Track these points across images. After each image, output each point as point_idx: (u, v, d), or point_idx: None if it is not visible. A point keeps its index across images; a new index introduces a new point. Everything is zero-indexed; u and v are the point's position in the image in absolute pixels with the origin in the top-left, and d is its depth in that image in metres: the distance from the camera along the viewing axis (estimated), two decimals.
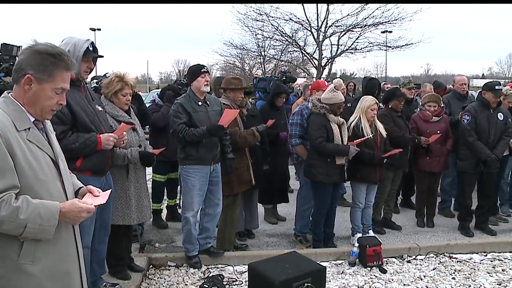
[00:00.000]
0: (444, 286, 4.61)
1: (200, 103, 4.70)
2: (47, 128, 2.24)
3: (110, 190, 2.50)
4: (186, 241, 4.91)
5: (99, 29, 43.39)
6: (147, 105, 6.44)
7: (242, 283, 4.57)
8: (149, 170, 5.38)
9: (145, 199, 4.44)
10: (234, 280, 4.67)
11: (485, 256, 5.42)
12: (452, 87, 7.79)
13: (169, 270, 4.90)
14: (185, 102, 4.66)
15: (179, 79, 6.70)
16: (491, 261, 5.28)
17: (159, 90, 9.19)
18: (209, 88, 4.87)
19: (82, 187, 2.36)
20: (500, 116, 5.99)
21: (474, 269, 5.04)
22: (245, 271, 4.60)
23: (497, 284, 4.66)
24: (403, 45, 21.83)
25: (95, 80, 5.97)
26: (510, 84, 7.98)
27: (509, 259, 5.33)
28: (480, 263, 5.23)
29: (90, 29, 42.96)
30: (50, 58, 2.07)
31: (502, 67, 74.63)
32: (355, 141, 5.24)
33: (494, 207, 6.64)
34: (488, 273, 4.94)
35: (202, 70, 4.71)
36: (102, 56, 3.74)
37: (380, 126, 5.62)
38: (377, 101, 5.64)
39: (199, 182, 4.72)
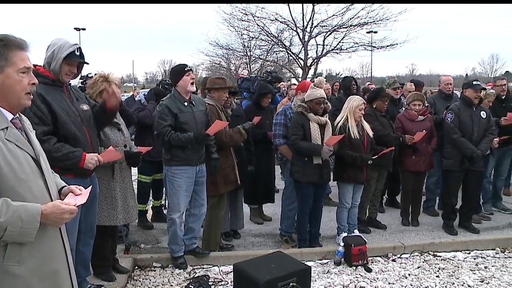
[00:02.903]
0: (428, 284, 4.66)
1: (185, 104, 4.67)
2: (26, 127, 2.21)
3: (91, 186, 2.48)
4: (171, 241, 4.89)
5: (83, 29, 42.95)
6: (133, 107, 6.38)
7: (228, 283, 4.57)
8: (134, 170, 5.35)
9: (131, 199, 4.43)
10: (220, 280, 4.66)
11: (468, 254, 5.50)
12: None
13: (154, 271, 4.89)
14: (171, 103, 4.62)
15: (164, 79, 6.65)
16: (474, 258, 5.36)
17: (146, 90, 9.11)
18: (195, 87, 4.85)
19: (65, 186, 2.34)
20: (483, 114, 6.08)
21: (458, 267, 5.10)
22: (230, 272, 4.60)
23: (480, 281, 4.72)
24: (388, 46, 21.93)
25: (80, 80, 5.92)
26: (489, 84, 8.07)
27: (491, 257, 5.41)
28: (464, 261, 5.29)
29: (75, 28, 42.50)
30: None
31: (485, 67, 75.62)
32: (330, 139, 5.19)
33: (477, 206, 6.72)
34: (471, 270, 5.01)
35: (185, 69, 4.68)
36: (87, 63, 3.72)
37: (366, 126, 5.64)
38: (364, 101, 5.66)
39: (186, 183, 4.70)
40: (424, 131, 6.19)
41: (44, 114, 3.34)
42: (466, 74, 73.10)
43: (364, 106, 5.58)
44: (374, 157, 5.50)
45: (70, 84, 3.73)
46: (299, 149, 5.22)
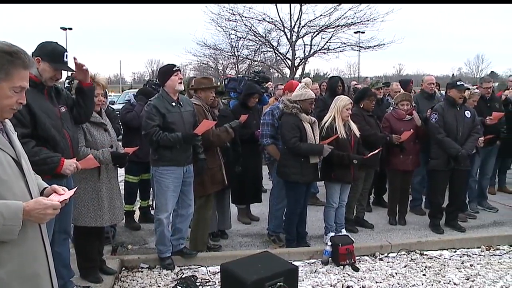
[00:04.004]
0: (415, 282, 4.69)
1: (173, 104, 4.65)
2: (8, 128, 2.19)
3: (76, 187, 2.46)
4: (159, 242, 4.87)
5: (70, 29, 42.27)
6: (121, 105, 6.36)
7: (216, 283, 4.56)
8: (121, 171, 5.32)
9: (118, 200, 4.40)
10: (208, 281, 4.65)
11: (454, 252, 5.56)
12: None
13: (141, 272, 4.87)
14: (159, 103, 4.60)
15: (151, 80, 6.63)
16: (460, 257, 5.41)
17: (135, 90, 9.08)
18: (183, 87, 4.84)
19: (47, 187, 2.31)
20: (468, 114, 6.13)
21: (444, 265, 5.15)
22: (218, 272, 4.59)
23: (465, 279, 4.77)
24: (375, 46, 22.08)
25: (67, 80, 5.87)
26: (475, 85, 8.17)
27: (477, 255, 5.48)
28: (450, 259, 5.34)
29: (61, 28, 41.74)
30: (6, 56, 2.02)
31: (470, 67, 76.53)
32: (327, 140, 5.26)
33: (463, 205, 6.79)
34: (457, 268, 5.06)
35: (174, 69, 4.67)
36: (73, 71, 3.71)
37: (354, 126, 5.66)
38: (351, 101, 5.67)
39: (173, 183, 4.69)
40: (411, 130, 6.24)
41: (23, 115, 3.29)
42: (453, 74, 73.98)
43: (351, 106, 5.60)
44: (364, 157, 5.52)
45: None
46: (300, 151, 5.18)
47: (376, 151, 5.66)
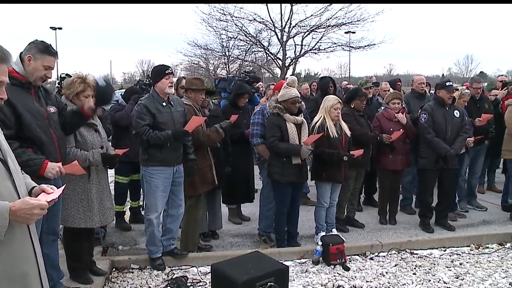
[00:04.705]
0: (405, 281, 4.71)
1: (164, 104, 4.64)
2: None
3: (64, 185, 2.43)
4: (149, 243, 4.86)
5: (60, 28, 41.92)
6: (110, 106, 6.31)
7: (206, 284, 4.55)
8: (111, 171, 5.30)
9: (108, 201, 4.37)
10: (198, 281, 4.65)
11: (444, 251, 5.59)
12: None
13: (132, 272, 4.85)
14: (149, 103, 4.59)
15: (142, 80, 6.60)
16: (450, 255, 5.45)
17: (123, 90, 9.02)
18: (173, 90, 4.82)
19: (35, 186, 2.28)
20: (457, 113, 6.19)
21: (434, 264, 5.18)
22: (209, 272, 4.56)
23: (455, 277, 4.80)
24: (365, 46, 22.26)
25: (57, 81, 5.84)
26: (466, 84, 8.23)
27: (466, 253, 5.52)
28: (440, 258, 5.38)
29: (51, 28, 41.38)
30: None
31: (460, 67, 77.19)
32: (307, 139, 5.22)
33: (452, 204, 6.83)
34: (447, 267, 5.10)
35: (166, 71, 4.64)
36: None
37: (344, 126, 5.67)
38: (340, 101, 5.68)
39: (163, 183, 4.67)
40: (401, 130, 6.27)
41: (7, 117, 3.24)
42: (443, 74, 74.55)
43: (340, 105, 5.60)
44: (354, 156, 5.51)
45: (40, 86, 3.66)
46: (278, 150, 5.22)
47: (360, 151, 5.63)
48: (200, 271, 4.85)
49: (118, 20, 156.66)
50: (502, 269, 5.04)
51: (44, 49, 3.48)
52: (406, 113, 6.65)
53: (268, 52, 22.95)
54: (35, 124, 3.42)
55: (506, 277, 4.81)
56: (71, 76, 4.68)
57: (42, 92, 3.65)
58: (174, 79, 5.29)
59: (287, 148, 5.21)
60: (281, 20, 21.42)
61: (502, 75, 10.95)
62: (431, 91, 8.75)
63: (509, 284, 4.63)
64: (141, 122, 4.51)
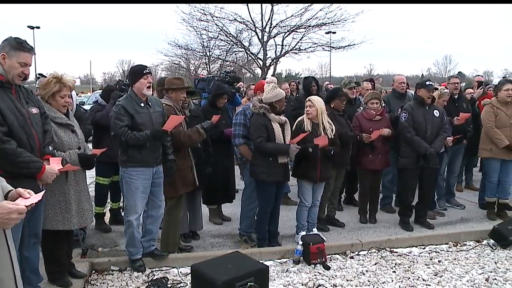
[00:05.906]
0: (385, 279, 4.76)
1: (142, 105, 4.61)
2: None
3: (44, 191, 2.39)
4: (129, 244, 4.82)
5: (38, 27, 41.17)
6: (89, 106, 6.27)
7: (187, 285, 4.54)
8: (92, 173, 5.24)
9: (86, 202, 4.32)
10: (179, 282, 4.63)
11: (423, 249, 5.66)
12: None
13: (112, 274, 4.81)
14: (127, 103, 4.55)
15: (122, 80, 6.54)
16: (429, 253, 5.52)
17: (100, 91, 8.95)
18: (151, 92, 4.77)
19: (11, 190, 2.24)
20: (436, 113, 6.27)
21: (413, 262, 5.24)
22: (190, 273, 4.55)
23: (434, 275, 4.87)
24: (346, 46, 22.44)
25: (36, 80, 5.76)
26: (443, 84, 8.34)
27: (444, 251, 5.60)
28: (419, 256, 5.44)
29: (28, 27, 40.64)
30: None
31: (439, 68, 78.50)
32: (294, 139, 5.25)
33: (432, 202, 6.92)
34: (426, 265, 5.16)
35: (144, 71, 4.61)
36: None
37: (328, 126, 5.63)
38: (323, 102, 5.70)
39: (142, 184, 4.64)
40: (380, 129, 6.32)
41: None
42: (422, 74, 75.53)
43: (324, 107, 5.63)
44: (318, 145, 5.36)
45: (20, 86, 3.61)
46: (266, 150, 5.20)
47: (324, 138, 5.41)
48: (180, 272, 4.83)
49: (98, 20, 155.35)
50: (479, 266, 5.12)
51: (17, 46, 3.43)
52: (386, 113, 6.72)
53: (249, 52, 23.00)
54: (17, 124, 3.39)
55: (482, 273, 4.90)
56: (45, 77, 4.60)
57: (23, 92, 3.60)
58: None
59: (276, 147, 5.22)
60: (262, 20, 21.50)
61: (479, 75, 11.14)
62: (411, 91, 8.86)
63: (485, 280, 4.72)
64: (120, 124, 4.47)
